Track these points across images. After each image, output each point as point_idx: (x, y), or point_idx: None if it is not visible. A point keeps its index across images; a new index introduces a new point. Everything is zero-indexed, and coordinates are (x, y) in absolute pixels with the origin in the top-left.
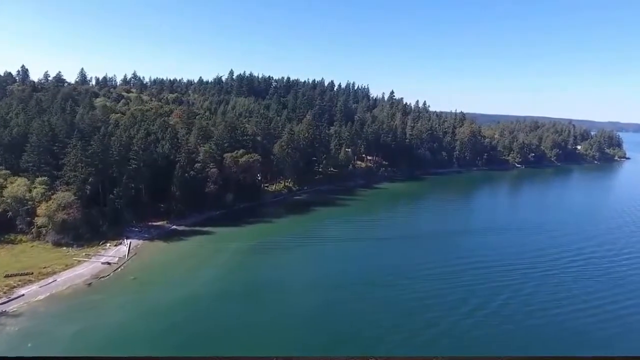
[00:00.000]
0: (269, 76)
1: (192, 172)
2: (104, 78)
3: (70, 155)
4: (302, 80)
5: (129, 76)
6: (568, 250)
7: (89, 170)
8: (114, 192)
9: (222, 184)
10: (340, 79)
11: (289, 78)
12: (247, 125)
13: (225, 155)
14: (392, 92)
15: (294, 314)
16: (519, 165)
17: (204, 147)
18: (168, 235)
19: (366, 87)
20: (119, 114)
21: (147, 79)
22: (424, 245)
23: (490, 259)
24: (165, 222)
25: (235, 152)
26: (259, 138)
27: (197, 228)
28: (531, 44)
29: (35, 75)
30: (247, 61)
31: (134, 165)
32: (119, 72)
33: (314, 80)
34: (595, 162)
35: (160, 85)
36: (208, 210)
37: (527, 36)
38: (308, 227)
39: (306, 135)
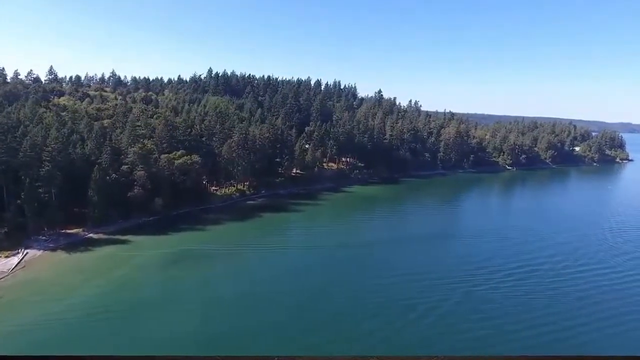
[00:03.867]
0: (249, 75)
1: (114, 174)
2: (77, 77)
3: None
4: (287, 79)
5: (107, 75)
6: (515, 261)
7: None
8: (21, 197)
9: (153, 187)
10: (336, 80)
11: (269, 77)
12: (196, 126)
13: (161, 156)
14: (379, 91)
15: (170, 337)
16: (510, 168)
17: (133, 147)
18: (77, 245)
19: (353, 86)
20: (47, 112)
21: (128, 78)
22: (359, 255)
23: (422, 272)
24: (81, 229)
25: (173, 152)
26: (204, 139)
27: (117, 236)
28: (538, 42)
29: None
30: (239, 61)
31: (47, 167)
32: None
33: (298, 79)
34: (594, 164)
35: (135, 84)
36: (138, 216)
37: (534, 34)
38: (245, 234)
39: (267, 135)
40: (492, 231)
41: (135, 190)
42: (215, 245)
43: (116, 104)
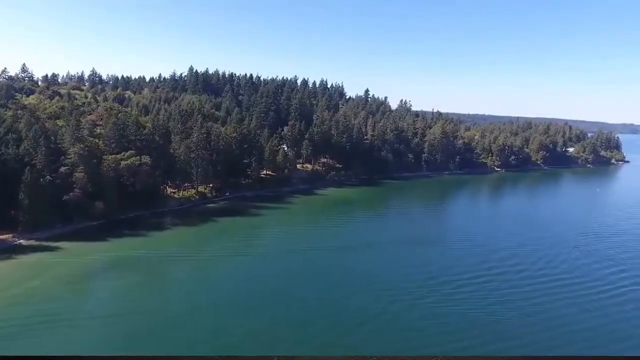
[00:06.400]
0: (231, 73)
1: (49, 176)
2: (53, 74)
3: None
4: (272, 78)
5: (87, 73)
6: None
7: None
8: None
9: (97, 190)
10: (323, 79)
11: (252, 75)
12: (148, 124)
13: (108, 157)
14: (366, 91)
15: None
16: (499, 169)
17: (74, 147)
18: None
19: (340, 85)
20: None
21: (110, 77)
22: (314, 264)
23: (369, 279)
24: (11, 235)
25: (122, 153)
26: (157, 138)
27: (49, 243)
28: (538, 42)
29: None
30: (231, 61)
31: None
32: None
33: (283, 78)
34: (588, 165)
35: (115, 82)
36: (79, 221)
37: (533, 34)
38: (192, 240)
39: (233, 135)
40: (458, 237)
41: (72, 194)
42: (155, 251)
43: (84, 102)
